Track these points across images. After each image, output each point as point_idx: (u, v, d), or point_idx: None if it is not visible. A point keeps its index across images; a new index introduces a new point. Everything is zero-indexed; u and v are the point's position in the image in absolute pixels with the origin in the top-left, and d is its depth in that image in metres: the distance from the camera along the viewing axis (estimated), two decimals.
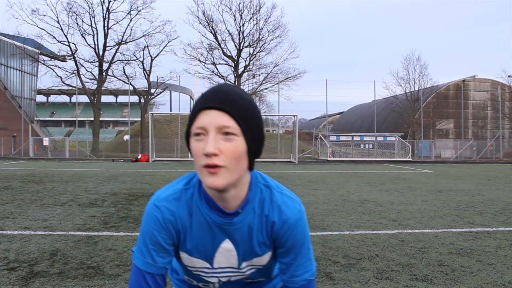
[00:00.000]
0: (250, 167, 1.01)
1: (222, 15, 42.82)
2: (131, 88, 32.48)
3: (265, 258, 1.13)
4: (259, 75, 34.99)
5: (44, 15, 29.10)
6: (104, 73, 30.71)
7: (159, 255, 1.07)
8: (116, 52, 30.94)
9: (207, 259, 1.11)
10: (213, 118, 0.93)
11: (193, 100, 66.79)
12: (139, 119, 34.26)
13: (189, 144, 0.98)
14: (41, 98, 76.19)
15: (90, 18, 29.89)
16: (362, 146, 29.31)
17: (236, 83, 33.63)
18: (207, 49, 33.39)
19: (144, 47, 31.72)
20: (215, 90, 0.97)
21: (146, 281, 1.06)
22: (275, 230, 1.07)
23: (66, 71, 30.78)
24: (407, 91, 36.05)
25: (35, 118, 37.61)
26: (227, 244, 1.09)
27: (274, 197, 1.07)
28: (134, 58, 31.62)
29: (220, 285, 1.18)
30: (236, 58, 33.30)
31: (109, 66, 30.91)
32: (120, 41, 30.79)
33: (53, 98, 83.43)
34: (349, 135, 29.98)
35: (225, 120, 0.93)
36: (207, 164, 0.92)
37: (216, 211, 1.04)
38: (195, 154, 0.95)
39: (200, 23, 32.67)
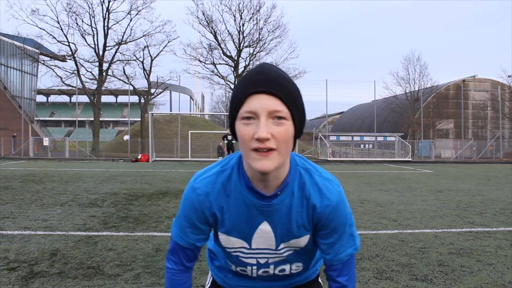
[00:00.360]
0: (293, 148, 1.03)
1: (222, 15, 42.80)
2: (131, 88, 32.50)
3: (303, 240, 1.13)
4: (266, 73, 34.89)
5: (44, 15, 29.15)
6: (104, 73, 30.73)
7: (193, 232, 1.12)
8: (116, 52, 30.97)
9: (245, 239, 1.12)
10: (264, 103, 0.92)
11: (193, 100, 66.93)
12: (139, 119, 34.28)
13: (235, 126, 0.98)
14: (41, 98, 76.20)
15: (90, 18, 29.93)
16: (362, 146, 29.31)
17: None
18: (207, 49, 33.41)
19: (144, 47, 31.76)
20: (263, 73, 0.95)
21: (178, 251, 1.17)
22: (317, 214, 1.08)
23: (66, 71, 30.83)
24: (407, 91, 36.07)
25: (35, 118, 37.61)
26: (265, 226, 1.09)
27: (314, 180, 1.08)
28: (134, 58, 31.67)
29: (258, 271, 1.17)
30: (236, 58, 33.31)
31: (109, 66, 30.93)
32: (120, 41, 30.81)
33: (53, 98, 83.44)
34: (349, 135, 29.98)
35: (276, 104, 0.92)
36: (258, 148, 0.92)
37: (254, 193, 1.05)
38: (243, 138, 0.94)
39: (200, 23, 32.69)
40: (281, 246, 1.13)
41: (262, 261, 1.15)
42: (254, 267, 1.17)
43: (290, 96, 0.95)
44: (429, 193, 9.90)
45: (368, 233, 5.46)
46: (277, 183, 1.03)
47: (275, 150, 0.93)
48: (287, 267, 1.18)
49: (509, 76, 35.46)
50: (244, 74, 0.92)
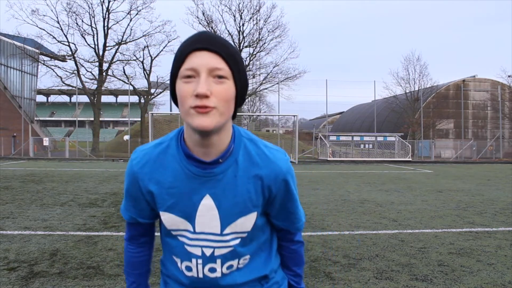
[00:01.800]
0: (234, 115, 0.99)
1: (222, 15, 42.93)
2: (131, 88, 32.50)
3: (249, 221, 1.05)
4: (259, 75, 35.03)
5: (44, 15, 29.17)
6: (104, 73, 30.73)
7: (134, 206, 1.10)
8: (116, 52, 30.98)
9: (188, 218, 1.04)
10: (204, 60, 0.90)
11: None
12: (139, 119, 34.30)
13: (175, 87, 0.95)
14: (41, 98, 76.21)
15: (90, 18, 29.94)
16: (362, 146, 29.31)
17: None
18: None
19: (144, 47, 31.78)
20: (203, 33, 0.94)
21: (128, 226, 1.17)
22: (267, 183, 1.02)
23: (66, 71, 30.84)
24: (407, 91, 36.08)
25: (35, 118, 37.61)
26: (207, 201, 1.02)
27: (261, 150, 1.03)
28: (134, 58, 31.69)
29: (204, 268, 1.07)
30: None
31: (109, 66, 30.94)
32: (120, 41, 30.82)
33: (53, 98, 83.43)
34: (349, 135, 29.98)
35: (217, 62, 0.91)
36: (196, 105, 0.89)
37: (194, 161, 1.00)
38: (182, 97, 0.91)
39: (200, 23, 32.72)
40: (227, 230, 1.04)
41: (207, 252, 1.06)
42: (200, 261, 1.06)
43: (231, 56, 0.93)
44: (429, 193, 9.90)
45: (368, 233, 5.46)
46: (219, 150, 0.98)
47: (213, 108, 0.90)
48: (235, 262, 1.08)
49: (509, 76, 35.47)
50: None
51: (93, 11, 29.92)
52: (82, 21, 30.00)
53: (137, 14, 30.55)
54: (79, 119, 56.37)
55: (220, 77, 0.91)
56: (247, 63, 33.62)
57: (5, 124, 30.17)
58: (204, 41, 0.92)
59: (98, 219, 6.15)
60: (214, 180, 1.00)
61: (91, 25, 30.04)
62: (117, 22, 31.03)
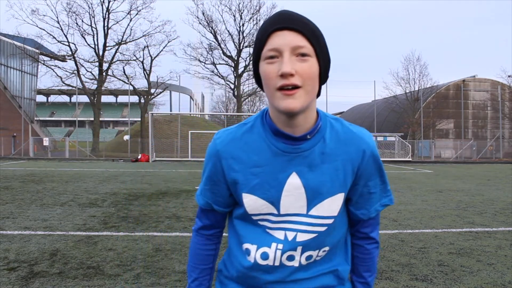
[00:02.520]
0: (318, 93, 0.98)
1: (222, 15, 42.96)
2: (131, 88, 32.52)
3: (336, 203, 1.02)
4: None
5: (44, 15, 29.23)
6: (104, 73, 30.76)
7: (211, 190, 1.07)
8: (116, 52, 31.01)
9: (273, 201, 1.00)
10: (287, 39, 0.90)
11: (193, 100, 66.99)
12: (139, 119, 34.30)
13: (258, 69, 0.95)
14: (41, 98, 76.21)
15: (90, 18, 29.98)
16: None
17: (236, 83, 33.68)
18: (207, 49, 33.46)
19: (144, 47, 31.80)
20: (283, 12, 0.94)
21: (200, 215, 1.14)
22: (355, 160, 1.00)
23: (66, 71, 30.87)
24: (407, 91, 36.09)
25: (35, 118, 37.62)
26: (294, 179, 0.99)
27: (347, 127, 1.02)
28: (134, 58, 31.72)
29: (283, 256, 1.02)
30: (236, 58, 33.33)
31: (109, 66, 30.97)
32: (120, 41, 30.85)
33: (53, 98, 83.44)
34: None
35: (300, 40, 0.90)
36: (283, 85, 0.88)
37: (281, 136, 0.98)
38: (267, 78, 0.91)
39: (200, 23, 32.74)
40: (313, 211, 1.01)
41: (290, 235, 1.01)
42: (280, 246, 1.01)
43: (313, 33, 0.92)
44: (429, 193, 9.90)
45: None
46: (306, 128, 0.97)
47: (300, 88, 0.89)
48: (315, 252, 1.04)
49: (509, 76, 35.48)
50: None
51: (93, 11, 29.98)
52: (82, 21, 30.09)
53: (137, 14, 30.62)
54: (79, 119, 56.38)
55: (303, 55, 0.90)
56: (247, 63, 33.64)
57: (5, 124, 30.18)
58: (285, 20, 0.91)
59: (98, 219, 6.15)
60: (301, 157, 0.98)
61: (91, 25, 30.09)
62: (117, 22, 31.09)
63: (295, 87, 0.89)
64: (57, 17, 29.63)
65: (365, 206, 1.08)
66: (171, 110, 46.00)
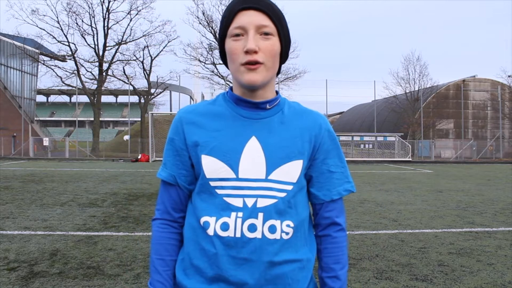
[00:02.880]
0: (278, 71, 1.05)
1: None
2: (131, 88, 32.51)
3: (295, 169, 1.02)
4: None
5: (44, 15, 29.19)
6: (104, 73, 30.75)
7: (175, 161, 1.07)
8: (116, 52, 31.00)
9: (232, 163, 0.99)
10: (252, 18, 0.96)
11: (193, 100, 66.98)
12: (139, 119, 34.31)
13: (224, 46, 1.01)
14: (41, 98, 76.20)
15: (90, 18, 29.96)
16: (362, 146, 29.32)
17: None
18: (207, 49, 33.41)
19: (144, 47, 31.79)
20: None
21: (163, 194, 1.10)
22: (312, 132, 1.06)
23: (66, 71, 30.86)
24: (407, 91, 36.07)
25: (35, 118, 37.61)
26: (254, 142, 1.01)
27: (303, 107, 1.10)
28: (134, 58, 31.71)
29: (243, 224, 0.97)
30: None
31: (109, 66, 30.96)
32: (120, 41, 30.84)
33: (53, 98, 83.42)
34: (349, 135, 29.98)
35: (264, 20, 0.97)
36: (247, 61, 0.95)
37: (242, 104, 1.04)
38: (233, 54, 0.97)
39: (200, 23, 32.67)
40: (272, 175, 0.99)
41: (249, 202, 0.98)
42: (240, 214, 0.97)
43: (276, 14, 0.99)
44: (429, 193, 9.90)
45: (368, 233, 5.46)
46: (266, 96, 1.04)
47: (262, 64, 0.96)
48: (277, 223, 0.98)
49: (509, 76, 35.47)
50: None
51: (93, 11, 29.95)
52: (82, 21, 30.04)
53: (137, 14, 30.60)
54: (79, 119, 56.45)
55: (267, 33, 0.97)
56: None
57: (5, 124, 30.18)
58: (251, 0, 0.98)
59: (98, 219, 6.15)
60: (261, 123, 1.03)
61: (91, 25, 30.08)
62: (117, 22, 31.07)
63: (258, 62, 0.95)
64: (57, 17, 29.61)
65: (326, 186, 1.10)
66: (171, 110, 45.95)
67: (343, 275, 1.08)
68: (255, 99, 1.02)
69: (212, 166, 1.01)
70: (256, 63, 0.95)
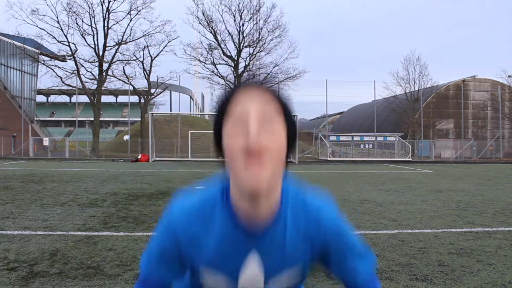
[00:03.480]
0: (286, 166, 0.93)
1: (222, 15, 42.80)
2: (131, 88, 32.51)
3: (294, 275, 1.01)
4: (259, 75, 35.04)
5: (44, 15, 29.17)
6: (104, 73, 30.75)
7: (163, 263, 0.99)
8: (116, 52, 30.99)
9: (232, 276, 0.98)
10: (254, 106, 0.83)
11: (193, 100, 67.00)
12: (139, 119, 34.29)
13: (221, 133, 0.88)
14: (41, 98, 76.20)
15: (90, 18, 29.95)
16: (362, 146, 29.33)
17: (236, 83, 33.65)
18: (207, 49, 33.45)
19: (144, 47, 31.78)
20: (250, 80, 0.91)
21: (145, 285, 1.01)
22: (316, 239, 0.98)
23: (66, 71, 30.85)
24: (407, 91, 36.08)
25: (35, 118, 37.62)
26: (254, 256, 0.96)
27: (309, 199, 0.99)
28: (134, 58, 31.69)
29: None
30: (236, 58, 33.33)
31: (109, 66, 30.95)
32: (120, 41, 30.83)
33: (53, 98, 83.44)
34: (349, 135, 29.99)
35: (268, 105, 0.85)
36: (248, 162, 0.81)
37: (241, 220, 0.93)
38: (230, 148, 0.83)
39: (200, 23, 32.71)
40: (270, 285, 1.00)
41: None
42: None
43: (282, 99, 0.88)
44: (429, 193, 9.90)
45: (368, 233, 5.46)
46: (269, 206, 0.91)
47: (267, 163, 0.82)
48: None
49: (509, 76, 35.48)
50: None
51: (93, 11, 29.94)
52: (82, 21, 30.01)
53: (137, 14, 30.58)
54: (79, 119, 56.45)
55: (272, 124, 0.84)
56: (247, 63, 33.65)
57: (5, 124, 30.18)
58: (254, 82, 0.88)
59: (98, 219, 6.15)
60: (261, 237, 0.95)
61: (91, 25, 30.07)
62: (117, 22, 31.05)
63: (261, 162, 0.82)
64: (57, 17, 29.58)
65: (352, 272, 1.04)
66: (171, 110, 46.01)
67: None
68: (256, 211, 0.90)
69: (212, 280, 0.99)
70: (259, 163, 0.82)
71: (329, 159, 26.44)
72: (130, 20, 30.65)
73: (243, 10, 32.30)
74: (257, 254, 0.97)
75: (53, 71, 30.65)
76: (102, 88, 31.33)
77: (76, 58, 30.01)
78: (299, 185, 1.01)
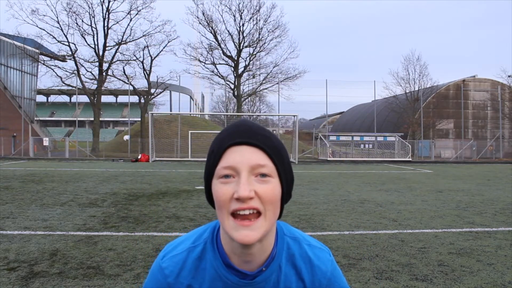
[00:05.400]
0: (279, 216, 0.87)
1: (222, 15, 42.88)
2: (131, 88, 32.50)
3: None
4: (259, 75, 35.07)
5: (44, 15, 29.17)
6: (104, 73, 30.74)
7: None
8: (116, 52, 30.99)
9: None
10: (245, 156, 0.79)
11: (193, 100, 67.01)
12: (139, 119, 34.29)
13: (211, 188, 0.83)
14: (41, 98, 76.21)
15: (90, 18, 29.95)
16: (362, 146, 29.32)
17: (236, 83, 33.68)
18: (207, 49, 33.47)
19: (144, 47, 31.77)
20: (244, 124, 0.84)
21: None
22: (314, 283, 0.94)
23: (66, 71, 30.85)
24: (407, 91, 36.09)
25: (35, 118, 37.61)
26: None
27: (304, 251, 0.94)
28: (134, 58, 31.68)
29: None
30: (236, 58, 33.33)
31: (109, 66, 30.95)
32: (120, 41, 30.83)
33: (53, 98, 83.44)
34: (349, 135, 29.99)
35: (260, 158, 0.79)
36: (239, 209, 0.77)
37: (234, 271, 0.88)
38: (220, 199, 0.79)
39: (200, 23, 32.73)
40: None
41: None
42: None
43: (276, 149, 0.82)
44: (429, 193, 9.90)
45: (368, 233, 5.46)
46: (262, 257, 0.87)
47: (259, 214, 0.79)
48: None
49: (509, 76, 35.47)
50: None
51: (93, 11, 29.94)
52: (82, 21, 30.01)
53: (137, 14, 30.58)
54: (79, 119, 56.45)
55: (264, 175, 0.79)
56: (247, 63, 33.65)
57: (5, 124, 30.17)
58: (244, 134, 0.81)
59: (98, 219, 6.15)
60: (256, 282, 0.90)
61: (91, 25, 30.07)
62: (117, 22, 31.05)
63: (254, 212, 0.78)
64: (57, 17, 29.58)
65: None
66: (171, 110, 45.97)
67: None
68: (249, 261, 0.86)
69: None
70: (251, 212, 0.78)
71: (329, 159, 26.44)
72: (130, 20, 30.67)
73: (243, 10, 32.33)
74: None
75: (53, 71, 30.67)
76: (102, 88, 31.34)
77: (76, 58, 30.03)
78: (294, 231, 0.98)
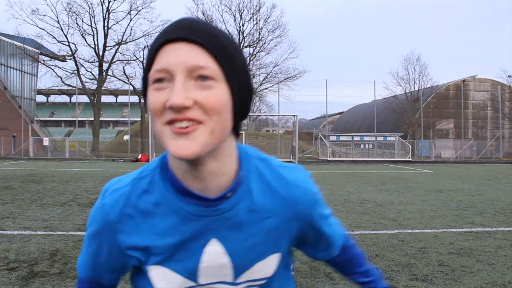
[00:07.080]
0: (236, 132, 0.73)
1: (222, 15, 42.87)
2: (131, 88, 32.51)
3: (270, 265, 0.80)
4: (259, 75, 35.09)
5: (44, 15, 29.23)
6: (104, 73, 30.76)
7: (100, 266, 0.81)
8: (116, 52, 31.01)
9: (189, 273, 0.76)
10: (182, 56, 0.63)
11: None
12: (139, 119, 34.28)
13: (146, 97, 0.68)
14: (41, 98, 76.24)
15: (90, 18, 29.98)
16: (362, 146, 29.32)
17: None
18: None
19: (144, 47, 31.73)
20: (184, 19, 0.68)
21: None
22: (292, 215, 0.79)
23: (66, 71, 30.89)
24: (407, 91, 36.11)
25: (35, 118, 37.61)
26: (214, 247, 0.75)
27: (277, 172, 0.79)
28: (134, 58, 31.68)
29: None
30: None
31: (109, 66, 30.97)
32: (120, 41, 30.84)
33: (53, 98, 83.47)
34: (349, 135, 29.99)
35: (200, 58, 0.64)
36: (173, 119, 0.62)
37: (190, 197, 0.72)
38: (154, 109, 0.64)
39: None
40: (242, 278, 0.78)
41: None
42: None
43: (222, 49, 0.67)
44: (429, 193, 9.90)
45: (368, 233, 5.46)
46: (221, 180, 0.72)
47: (200, 123, 0.63)
48: None
49: (509, 76, 35.50)
50: None
51: (93, 11, 29.98)
52: (82, 21, 30.05)
53: (137, 14, 30.60)
54: (79, 119, 56.49)
55: (205, 78, 0.64)
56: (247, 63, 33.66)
57: (5, 124, 30.18)
58: (181, 29, 0.65)
59: None
60: (222, 219, 0.74)
61: (91, 25, 30.10)
62: (117, 22, 31.07)
63: (192, 121, 0.62)
64: (57, 17, 29.63)
65: (329, 248, 0.91)
66: None
67: (369, 265, 0.98)
68: (206, 182, 0.71)
69: (166, 280, 0.77)
70: (188, 123, 0.62)
71: (329, 159, 26.44)
72: (130, 20, 30.69)
73: (243, 10, 32.36)
74: (219, 242, 0.76)
75: (53, 71, 30.73)
76: (102, 88, 31.35)
77: (76, 58, 30.06)
78: (262, 153, 0.83)
